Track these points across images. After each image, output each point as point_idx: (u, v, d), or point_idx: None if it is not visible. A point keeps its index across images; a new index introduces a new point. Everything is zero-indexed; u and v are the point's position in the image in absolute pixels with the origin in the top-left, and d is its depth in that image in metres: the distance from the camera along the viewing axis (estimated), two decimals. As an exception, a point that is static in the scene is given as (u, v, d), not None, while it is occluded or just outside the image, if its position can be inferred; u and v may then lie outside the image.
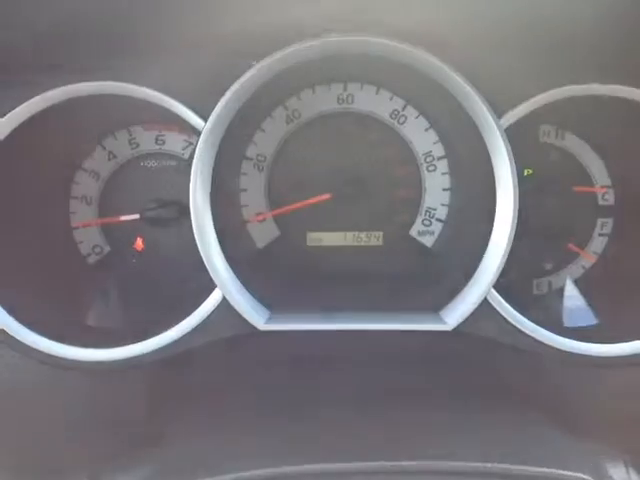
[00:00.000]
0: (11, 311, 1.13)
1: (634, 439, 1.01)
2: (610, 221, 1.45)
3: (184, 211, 1.25)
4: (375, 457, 0.79)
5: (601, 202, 1.44)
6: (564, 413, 1.06)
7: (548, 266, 1.46)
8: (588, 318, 1.34)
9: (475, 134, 1.24)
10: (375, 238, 1.44)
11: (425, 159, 1.41)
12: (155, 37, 1.10)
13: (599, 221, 1.45)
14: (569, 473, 0.81)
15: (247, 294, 1.21)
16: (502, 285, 1.19)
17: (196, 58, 1.13)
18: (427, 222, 1.44)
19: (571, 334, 1.16)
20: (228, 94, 1.11)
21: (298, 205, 1.38)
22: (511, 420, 1.01)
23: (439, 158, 1.41)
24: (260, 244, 1.42)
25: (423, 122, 1.40)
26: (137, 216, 1.37)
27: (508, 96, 1.15)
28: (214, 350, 1.15)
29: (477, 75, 1.12)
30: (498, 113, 1.15)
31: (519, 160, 1.18)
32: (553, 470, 0.80)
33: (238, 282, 1.20)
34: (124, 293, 1.36)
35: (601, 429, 1.03)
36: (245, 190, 1.41)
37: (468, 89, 1.12)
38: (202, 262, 1.15)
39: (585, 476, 0.82)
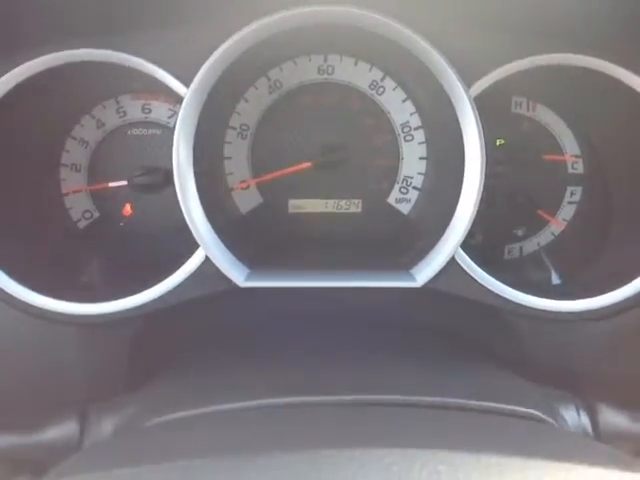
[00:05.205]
0: (7, 270, 1.19)
1: (588, 387, 1.08)
2: (579, 189, 1.51)
3: (169, 176, 1.31)
4: (344, 393, 0.85)
5: (571, 171, 1.50)
6: (524, 363, 1.13)
7: (519, 232, 1.52)
8: (553, 278, 1.41)
9: (449, 105, 1.29)
10: (354, 205, 1.50)
11: (402, 129, 1.47)
12: (140, 6, 1.14)
13: (569, 189, 1.51)
14: (522, 409, 0.88)
15: (229, 254, 1.26)
16: (474, 250, 1.26)
17: (179, 26, 1.17)
18: (404, 190, 1.50)
19: (535, 292, 1.22)
20: (210, 61, 1.15)
21: (280, 173, 1.44)
22: (473, 367, 1.09)
23: (416, 128, 1.47)
24: (244, 210, 1.48)
25: (401, 93, 1.45)
26: (125, 182, 1.42)
27: (477, 65, 1.20)
28: (198, 306, 1.21)
29: (447, 44, 1.17)
30: (467, 82, 1.19)
31: (491, 130, 1.24)
32: (507, 405, 0.87)
33: (221, 243, 1.25)
34: (113, 254, 1.42)
35: (558, 378, 1.09)
36: (229, 158, 1.46)
37: (438, 58, 1.17)
38: (186, 224, 1.20)
39: (537, 412, 0.89)
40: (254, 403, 0.83)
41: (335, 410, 0.81)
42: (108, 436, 0.88)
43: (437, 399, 0.85)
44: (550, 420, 0.88)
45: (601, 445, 0.87)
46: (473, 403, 0.85)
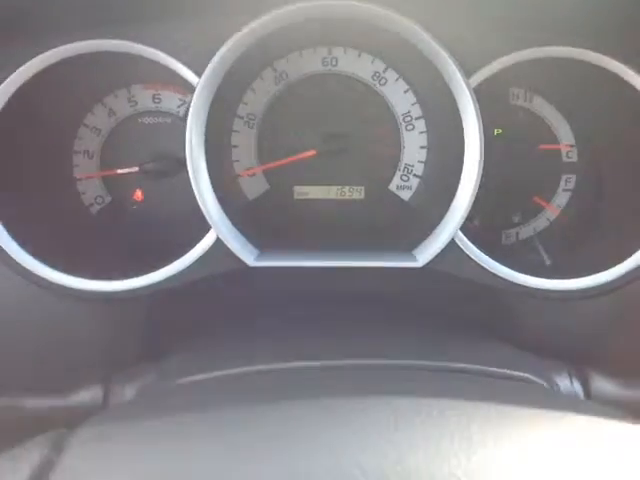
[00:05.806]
0: (29, 250, 1.24)
1: (582, 359, 1.14)
2: (573, 177, 1.57)
3: (178, 163, 1.38)
4: (351, 357, 0.91)
5: (565, 159, 1.56)
6: (520, 339, 1.19)
7: (516, 218, 1.58)
8: (547, 262, 1.48)
9: (450, 95, 1.35)
10: (357, 192, 1.55)
11: (404, 119, 1.52)
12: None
13: (563, 177, 1.57)
14: (518, 373, 0.94)
15: (239, 236, 1.32)
16: (473, 235, 1.32)
17: (191, 17, 1.22)
18: (405, 177, 1.55)
19: (530, 271, 1.28)
20: (221, 51, 1.21)
21: (286, 161, 1.49)
22: (471, 339, 1.15)
23: (417, 118, 1.52)
24: (250, 196, 1.54)
25: (402, 84, 1.50)
26: (136, 169, 1.48)
27: (477, 56, 1.25)
28: (209, 285, 1.27)
29: (448, 36, 1.22)
30: (467, 73, 1.25)
31: (490, 121, 1.29)
32: (503, 370, 0.93)
33: (231, 225, 1.31)
34: (126, 237, 1.48)
35: (553, 352, 1.15)
36: (236, 146, 1.51)
37: (439, 49, 1.22)
38: (197, 208, 1.26)
39: (532, 376, 0.95)
40: (268, 367, 0.89)
41: (343, 373, 0.87)
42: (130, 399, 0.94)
43: (436, 363, 0.90)
44: (543, 383, 0.93)
45: (592, 402, 0.92)
46: (470, 366, 0.91)
